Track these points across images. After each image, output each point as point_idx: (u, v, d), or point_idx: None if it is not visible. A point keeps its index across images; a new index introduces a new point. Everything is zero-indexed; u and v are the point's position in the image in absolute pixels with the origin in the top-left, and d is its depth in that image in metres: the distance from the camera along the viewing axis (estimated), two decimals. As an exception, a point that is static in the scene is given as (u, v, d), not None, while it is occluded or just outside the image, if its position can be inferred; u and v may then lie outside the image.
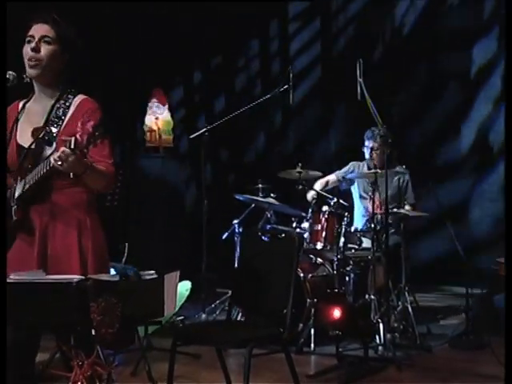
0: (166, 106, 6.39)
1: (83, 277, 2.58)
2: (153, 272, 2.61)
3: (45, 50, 2.78)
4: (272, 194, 5.36)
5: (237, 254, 5.62)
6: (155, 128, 6.36)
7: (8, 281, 2.58)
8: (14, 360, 2.90)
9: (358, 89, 4.81)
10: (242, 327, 3.61)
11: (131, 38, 6.75)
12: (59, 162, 2.56)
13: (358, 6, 7.76)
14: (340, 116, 7.73)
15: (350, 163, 5.77)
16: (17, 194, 2.79)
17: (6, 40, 3.41)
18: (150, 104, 6.42)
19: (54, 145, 2.73)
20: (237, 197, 5.46)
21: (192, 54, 7.65)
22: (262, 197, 5.41)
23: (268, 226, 5.34)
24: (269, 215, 5.45)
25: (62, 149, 2.55)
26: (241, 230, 5.61)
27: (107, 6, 6.34)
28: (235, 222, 5.61)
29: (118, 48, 6.59)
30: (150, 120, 6.39)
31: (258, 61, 8.23)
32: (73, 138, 2.52)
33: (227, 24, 7.60)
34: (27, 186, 2.76)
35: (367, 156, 5.49)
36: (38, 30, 2.79)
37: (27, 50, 2.79)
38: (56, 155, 2.56)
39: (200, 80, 8.12)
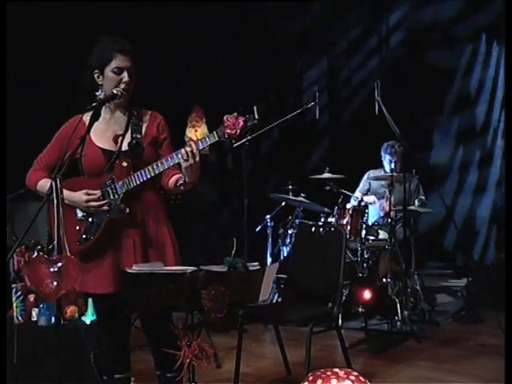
0: (204, 120, 6.19)
1: (195, 268, 2.37)
2: (256, 263, 2.44)
3: (131, 80, 2.69)
4: (302, 194, 5.15)
5: (268, 244, 5.44)
6: (194, 138, 6.16)
7: (130, 271, 2.37)
8: (116, 335, 2.83)
9: (376, 106, 4.63)
10: (299, 308, 3.41)
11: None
12: (185, 157, 2.46)
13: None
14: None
15: (364, 177, 5.46)
16: (122, 191, 2.61)
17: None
18: (189, 118, 6.23)
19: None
20: (272, 196, 5.26)
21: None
22: (292, 195, 5.21)
23: (297, 221, 5.15)
24: (297, 212, 5.25)
25: (191, 144, 2.47)
26: (272, 223, 5.41)
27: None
28: (267, 216, 5.42)
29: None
30: (189, 132, 6.20)
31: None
32: (218, 129, 2.43)
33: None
34: (135, 182, 2.60)
35: (388, 167, 5.10)
36: (124, 62, 2.67)
37: (117, 80, 2.66)
38: (184, 150, 2.47)
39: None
